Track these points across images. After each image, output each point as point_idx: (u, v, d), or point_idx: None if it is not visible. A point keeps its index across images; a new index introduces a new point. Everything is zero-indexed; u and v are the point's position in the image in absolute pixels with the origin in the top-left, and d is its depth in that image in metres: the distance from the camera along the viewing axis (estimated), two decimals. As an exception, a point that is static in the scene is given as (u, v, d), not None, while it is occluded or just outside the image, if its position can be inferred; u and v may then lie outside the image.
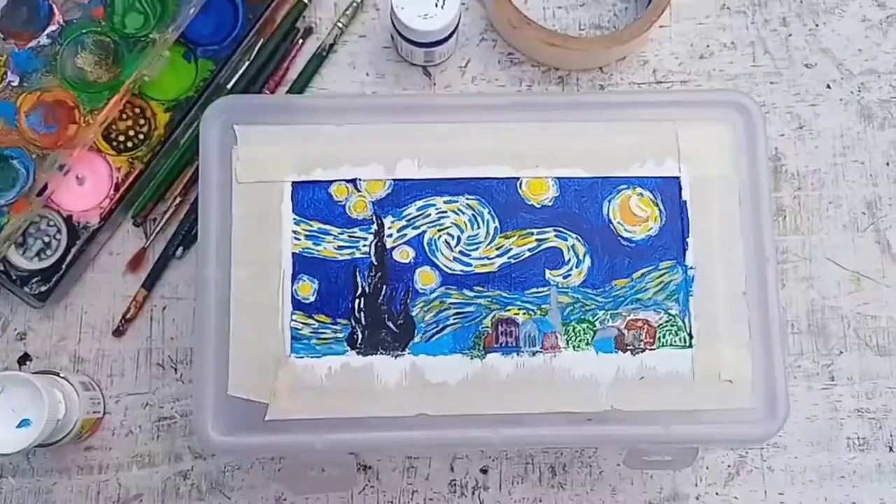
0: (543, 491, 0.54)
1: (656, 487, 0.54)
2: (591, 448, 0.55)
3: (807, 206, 0.58)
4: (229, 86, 0.58)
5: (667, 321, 0.48)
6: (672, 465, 0.50)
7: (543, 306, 0.48)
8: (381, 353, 0.48)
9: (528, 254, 0.49)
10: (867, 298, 0.57)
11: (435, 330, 0.48)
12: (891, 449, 0.55)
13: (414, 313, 0.48)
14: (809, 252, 0.57)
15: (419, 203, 0.49)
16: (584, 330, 0.48)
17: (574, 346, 0.48)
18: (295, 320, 0.48)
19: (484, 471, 0.54)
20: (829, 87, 0.59)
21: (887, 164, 0.58)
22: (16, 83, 0.55)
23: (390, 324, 0.48)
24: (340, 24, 0.59)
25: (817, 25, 0.60)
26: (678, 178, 0.49)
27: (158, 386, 0.55)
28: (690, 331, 0.48)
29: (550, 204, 0.49)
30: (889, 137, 0.59)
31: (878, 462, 0.55)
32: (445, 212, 0.49)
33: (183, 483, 0.54)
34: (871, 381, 0.56)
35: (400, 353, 0.48)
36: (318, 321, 0.48)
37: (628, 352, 0.48)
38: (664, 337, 0.48)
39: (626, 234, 0.49)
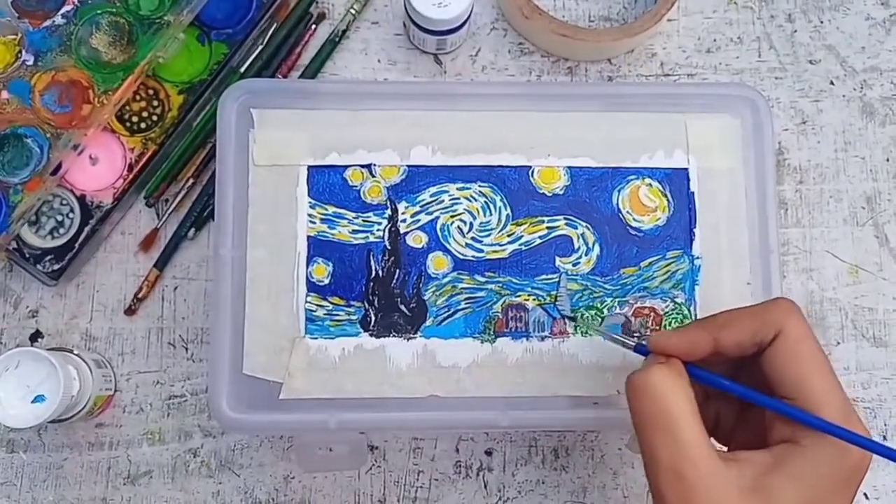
0: (546, 473, 0.56)
1: (656, 471, 0.56)
2: (594, 432, 0.56)
3: (808, 199, 0.59)
4: (242, 69, 0.58)
5: (673, 309, 0.49)
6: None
7: (553, 293, 0.49)
8: (394, 336, 0.49)
9: (538, 241, 0.50)
10: (865, 291, 0.58)
11: (446, 314, 0.49)
12: (885, 438, 0.57)
13: (426, 297, 0.49)
14: (810, 245, 0.58)
15: (433, 189, 0.50)
16: (592, 316, 0.49)
17: (582, 333, 0.49)
18: (309, 302, 0.48)
19: (488, 453, 0.56)
20: (832, 83, 0.60)
21: (887, 160, 0.60)
22: (30, 62, 0.55)
23: (403, 307, 0.49)
24: (353, 11, 0.59)
25: (822, 22, 0.61)
26: (686, 169, 0.51)
27: (169, 365, 0.56)
28: (696, 319, 0.49)
29: (561, 192, 0.50)
30: (890, 134, 0.60)
31: (872, 450, 0.56)
32: (458, 198, 0.50)
33: (193, 460, 0.55)
34: (866, 372, 0.57)
35: (412, 335, 0.49)
36: (332, 303, 0.49)
37: (635, 338, 0.49)
38: (670, 324, 0.49)
39: (634, 224, 0.50)
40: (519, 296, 0.49)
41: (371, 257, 0.49)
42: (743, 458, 0.37)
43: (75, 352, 0.52)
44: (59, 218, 0.55)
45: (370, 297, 0.49)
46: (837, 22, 0.61)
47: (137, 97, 0.57)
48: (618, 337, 0.44)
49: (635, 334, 0.49)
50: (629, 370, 0.48)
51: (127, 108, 0.57)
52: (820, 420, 0.36)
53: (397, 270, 0.49)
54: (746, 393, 0.39)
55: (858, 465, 0.37)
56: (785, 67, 0.60)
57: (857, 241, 0.59)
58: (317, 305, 0.48)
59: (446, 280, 0.49)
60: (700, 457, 0.36)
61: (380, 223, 0.50)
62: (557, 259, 0.50)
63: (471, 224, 0.50)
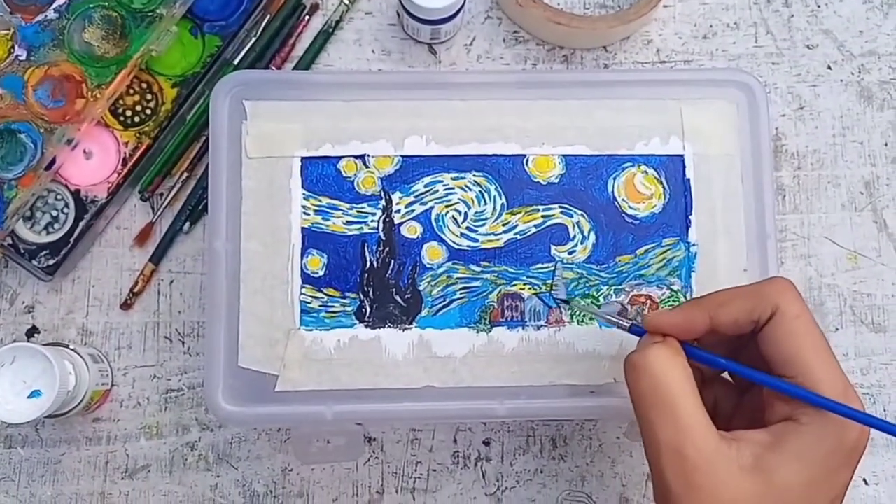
0: (544, 462, 0.55)
1: (655, 460, 0.56)
2: (592, 421, 0.56)
3: (806, 185, 0.59)
4: (236, 62, 0.58)
5: (669, 297, 0.49)
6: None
7: (549, 281, 0.49)
8: (389, 327, 0.48)
9: (534, 230, 0.50)
10: (863, 276, 0.58)
11: (442, 304, 0.49)
12: (884, 423, 0.56)
13: (421, 287, 0.49)
14: (808, 231, 0.58)
15: (427, 179, 0.50)
16: (590, 302, 0.49)
17: (578, 321, 0.49)
18: (304, 294, 0.48)
19: (486, 443, 0.55)
20: (829, 68, 0.60)
21: (885, 144, 0.59)
22: (23, 57, 0.55)
23: (398, 298, 0.49)
24: (346, 1, 0.59)
25: (819, 7, 0.61)
26: (682, 156, 0.50)
27: (166, 359, 0.56)
28: (691, 298, 0.49)
29: (556, 181, 0.50)
30: (888, 118, 0.59)
31: (872, 436, 0.56)
32: (453, 188, 0.50)
33: (190, 454, 0.55)
34: (865, 358, 0.57)
35: (407, 326, 0.48)
36: (326, 295, 0.48)
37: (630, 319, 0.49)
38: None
39: (630, 211, 0.50)
40: (514, 285, 0.49)
41: (366, 248, 0.49)
42: (742, 437, 0.37)
43: (71, 347, 0.52)
44: (54, 213, 0.55)
45: (365, 289, 0.49)
46: (835, 6, 0.61)
47: (131, 91, 0.57)
48: (613, 318, 0.44)
49: (631, 322, 0.49)
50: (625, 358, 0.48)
51: (120, 102, 0.56)
52: (819, 396, 0.36)
53: (392, 261, 0.49)
54: (744, 370, 0.39)
55: (857, 442, 0.37)
56: (782, 52, 0.60)
57: (855, 227, 0.58)
58: (311, 297, 0.48)
59: (441, 270, 0.49)
60: (700, 436, 0.36)
61: (374, 214, 0.49)
62: (553, 248, 0.50)
63: (465, 214, 0.50)
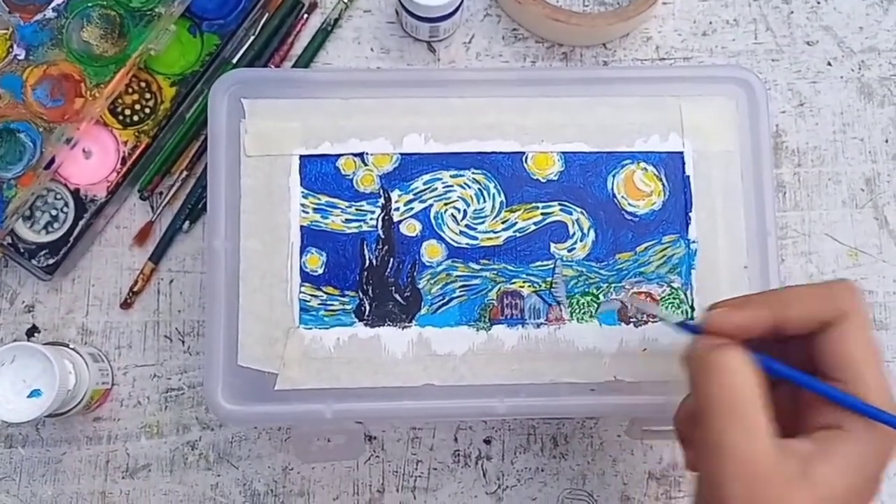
0: (545, 461, 0.55)
1: (656, 458, 0.56)
2: (592, 419, 0.56)
3: (806, 182, 0.58)
4: (234, 60, 0.58)
5: (669, 294, 0.49)
6: (672, 435, 0.51)
7: (548, 279, 0.49)
8: (389, 325, 0.48)
9: (533, 227, 0.50)
10: (865, 273, 0.58)
11: (441, 302, 0.49)
12: (886, 420, 0.56)
13: (421, 286, 0.49)
14: (809, 228, 0.58)
15: (426, 177, 0.50)
16: (588, 302, 0.49)
17: (578, 319, 0.49)
18: (303, 292, 0.48)
19: (487, 441, 0.55)
20: (829, 64, 0.60)
21: (886, 141, 0.59)
22: (22, 56, 0.55)
23: (397, 296, 0.49)
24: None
25: (819, 3, 0.60)
26: (682, 153, 0.50)
27: (166, 358, 0.56)
28: (692, 303, 0.49)
29: (556, 178, 0.50)
30: (888, 115, 0.59)
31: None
32: (452, 186, 0.50)
33: (191, 453, 0.55)
34: (867, 355, 0.57)
35: (407, 324, 0.48)
36: (326, 293, 0.48)
37: (631, 324, 0.49)
38: (666, 309, 0.49)
39: (629, 209, 0.50)
40: (514, 283, 0.49)
41: (365, 246, 0.49)
42: (786, 446, 0.36)
43: (71, 346, 0.52)
44: (54, 212, 0.55)
45: (364, 287, 0.49)
46: (834, 2, 0.60)
47: (130, 90, 0.57)
48: (668, 316, 0.42)
49: (631, 319, 0.49)
50: (625, 356, 0.48)
51: (119, 101, 0.56)
52: (875, 408, 0.35)
53: (391, 259, 0.49)
54: (808, 381, 0.37)
55: (893, 452, 0.36)
56: (782, 49, 0.60)
57: (856, 224, 0.58)
58: (311, 295, 0.48)
59: (441, 268, 0.49)
60: (768, 447, 0.35)
61: (373, 212, 0.49)
62: (552, 245, 0.49)
63: (465, 211, 0.50)
